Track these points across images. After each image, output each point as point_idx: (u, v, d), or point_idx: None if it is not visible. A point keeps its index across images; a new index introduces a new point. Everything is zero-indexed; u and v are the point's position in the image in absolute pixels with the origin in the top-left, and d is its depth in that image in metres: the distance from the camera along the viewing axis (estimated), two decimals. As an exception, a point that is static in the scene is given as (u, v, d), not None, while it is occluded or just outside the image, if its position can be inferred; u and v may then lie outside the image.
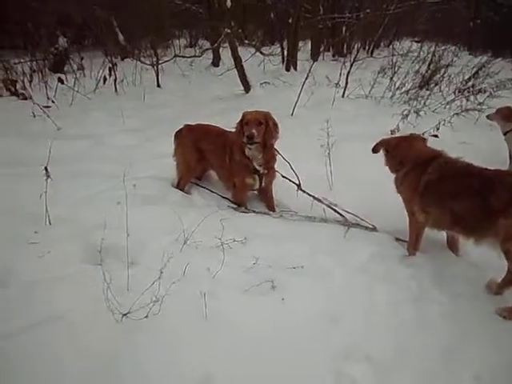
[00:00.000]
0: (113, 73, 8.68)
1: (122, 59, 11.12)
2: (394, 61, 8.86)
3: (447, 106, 6.84)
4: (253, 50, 10.92)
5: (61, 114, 6.60)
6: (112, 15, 10.98)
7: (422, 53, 10.27)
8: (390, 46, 14.76)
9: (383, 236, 3.50)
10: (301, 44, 12.00)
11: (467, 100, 7.06)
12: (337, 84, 7.97)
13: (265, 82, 8.97)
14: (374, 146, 3.48)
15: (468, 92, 7.50)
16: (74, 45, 10.71)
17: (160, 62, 9.47)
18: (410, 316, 2.62)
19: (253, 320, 2.43)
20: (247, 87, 8.48)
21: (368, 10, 11.25)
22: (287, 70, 10.59)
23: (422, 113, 6.25)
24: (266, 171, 3.88)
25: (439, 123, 5.46)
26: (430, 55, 8.91)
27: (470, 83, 7.96)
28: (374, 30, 12.14)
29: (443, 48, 9.65)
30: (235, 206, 3.98)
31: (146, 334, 2.23)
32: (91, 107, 7.37)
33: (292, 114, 6.57)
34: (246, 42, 11.90)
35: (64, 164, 4.39)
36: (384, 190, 3.49)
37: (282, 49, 11.71)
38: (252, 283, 2.66)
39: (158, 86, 9.43)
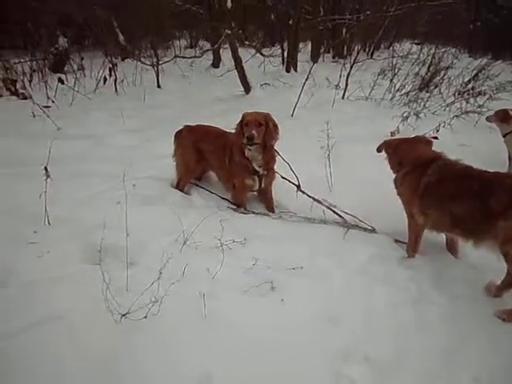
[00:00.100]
0: (113, 73, 8.68)
1: (123, 59, 11.12)
2: (394, 63, 8.86)
3: (447, 108, 6.84)
4: (253, 51, 10.92)
5: (61, 113, 6.60)
6: (112, 15, 10.98)
7: (422, 55, 10.28)
8: (390, 48, 14.77)
9: (382, 238, 3.50)
10: (301, 45, 12.00)
11: (467, 102, 7.06)
12: (337, 86, 7.97)
13: (265, 83, 8.97)
14: (378, 146, 3.50)
15: (468, 94, 7.51)
16: (74, 45, 10.70)
17: (160, 62, 9.47)
18: (409, 317, 2.63)
19: (252, 320, 2.43)
20: (247, 88, 8.48)
21: (368, 12, 11.26)
22: (287, 71, 10.58)
23: (421, 115, 6.25)
24: (265, 172, 3.88)
25: (439, 125, 5.47)
26: (429, 57, 8.91)
27: (469, 85, 7.97)
28: (374, 31, 12.14)
29: (443, 50, 9.64)
30: (235, 207, 3.99)
31: (145, 335, 2.23)
32: (91, 107, 7.37)
33: (292, 115, 6.57)
34: (247, 42, 11.90)
35: (64, 164, 4.39)
36: (383, 191, 3.49)
37: (283, 50, 11.71)
38: (251, 284, 2.66)
39: (158, 86, 9.43)
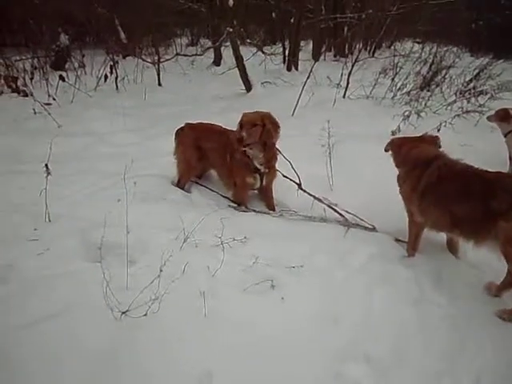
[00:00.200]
0: (114, 71, 8.68)
1: (124, 57, 11.09)
2: (396, 61, 8.84)
3: (448, 108, 6.83)
4: (254, 50, 10.91)
5: (62, 111, 6.61)
6: (114, 13, 10.96)
7: (423, 54, 10.26)
8: (392, 47, 14.77)
9: (383, 236, 3.50)
10: (302, 44, 11.98)
11: (468, 102, 7.05)
12: (338, 84, 7.95)
13: (266, 82, 8.96)
14: (386, 145, 3.50)
15: (469, 94, 7.49)
16: (75, 42, 10.69)
17: (161, 60, 9.47)
18: (409, 317, 2.62)
19: (252, 319, 2.43)
20: (248, 86, 8.47)
21: (370, 11, 11.23)
22: (288, 69, 10.58)
23: (423, 114, 6.23)
24: (267, 170, 3.88)
25: (440, 124, 5.45)
26: (431, 56, 8.91)
27: (471, 85, 7.95)
28: (376, 30, 12.11)
29: (445, 49, 9.63)
30: (235, 205, 3.98)
31: (146, 332, 2.23)
32: (92, 105, 7.37)
33: (293, 114, 6.57)
34: (248, 41, 11.89)
35: (64, 161, 4.40)
36: (384, 190, 3.49)
37: (284, 48, 11.70)
38: (251, 282, 2.66)
39: (159, 84, 9.43)
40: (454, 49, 11.70)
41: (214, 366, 2.11)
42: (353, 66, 8.18)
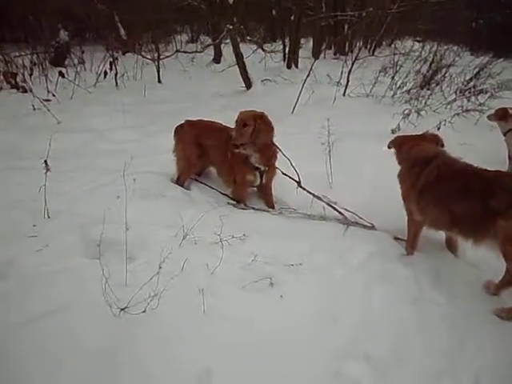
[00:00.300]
0: (114, 67, 8.67)
1: (123, 54, 11.08)
2: (396, 60, 8.83)
3: (448, 106, 6.83)
4: (254, 47, 10.89)
5: (61, 107, 6.60)
6: (113, 9, 10.94)
7: (423, 52, 10.25)
8: (392, 45, 14.75)
9: (382, 234, 3.50)
10: (302, 41, 11.97)
11: (468, 100, 7.06)
12: (338, 82, 7.94)
13: (266, 79, 8.94)
14: (389, 143, 3.50)
15: (469, 92, 7.49)
16: (74, 38, 10.66)
17: (161, 57, 9.45)
18: (409, 316, 2.62)
19: (251, 316, 2.43)
20: (248, 84, 8.46)
21: (370, 9, 11.21)
22: (288, 67, 10.57)
23: (422, 112, 6.24)
24: (266, 168, 3.88)
25: (440, 123, 5.45)
26: (431, 55, 8.90)
27: (471, 83, 7.95)
28: (376, 28, 12.10)
29: (445, 48, 9.63)
30: (234, 203, 3.98)
31: (144, 329, 2.23)
32: (92, 101, 7.36)
33: (293, 111, 6.56)
34: (248, 38, 11.87)
35: (64, 158, 4.40)
36: (384, 188, 3.50)
37: (284, 46, 11.68)
38: (250, 280, 2.66)
39: (159, 81, 9.41)
40: (455, 47, 11.68)
41: (213, 364, 2.11)
42: (353, 64, 8.17)
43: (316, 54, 11.90)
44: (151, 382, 2.03)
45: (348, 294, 2.75)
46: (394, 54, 9.40)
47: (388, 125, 5.69)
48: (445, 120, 5.53)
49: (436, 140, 3.39)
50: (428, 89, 7.89)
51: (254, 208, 3.93)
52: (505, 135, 4.99)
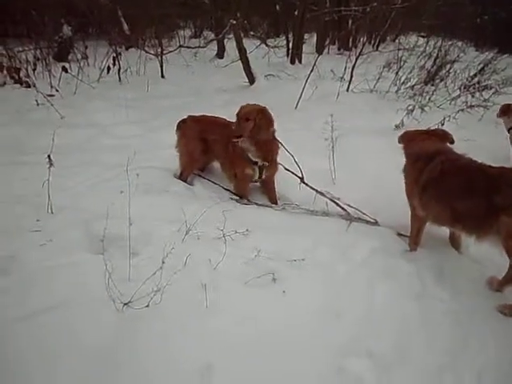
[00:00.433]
0: (117, 62, 8.67)
1: (127, 49, 11.06)
2: (400, 55, 8.78)
3: (452, 102, 6.79)
4: (257, 42, 10.85)
5: (64, 102, 6.60)
6: (116, 4, 10.91)
7: (428, 48, 10.19)
8: (396, 41, 14.67)
9: (385, 230, 3.49)
10: (306, 37, 11.91)
11: (472, 96, 7.00)
12: (341, 78, 7.91)
13: (269, 75, 8.91)
14: (398, 138, 3.48)
15: (473, 88, 7.43)
16: (78, 33, 10.65)
17: (164, 52, 9.43)
18: (412, 312, 2.62)
19: (253, 312, 2.43)
20: (251, 79, 8.44)
21: (375, 4, 11.13)
22: (292, 62, 10.52)
23: (426, 108, 6.20)
24: (266, 163, 3.87)
25: (444, 119, 5.43)
26: (436, 50, 8.84)
27: (475, 79, 7.89)
28: (380, 23, 12.04)
29: (449, 43, 9.56)
30: (237, 198, 3.98)
31: (147, 324, 2.24)
32: (95, 96, 7.35)
33: (296, 107, 6.54)
34: (251, 33, 11.82)
35: (67, 153, 4.40)
36: (387, 184, 3.49)
37: (287, 41, 11.63)
38: (253, 275, 2.66)
39: (162, 76, 9.39)
40: (459, 43, 11.60)
41: (214, 360, 2.12)
42: (357, 59, 8.12)
43: (320, 50, 11.86)
44: (152, 376, 2.04)
45: (351, 289, 2.74)
46: (398, 50, 9.33)
47: (392, 120, 5.67)
48: (449, 116, 5.50)
49: (445, 136, 3.36)
50: (432, 84, 7.84)
51: (257, 203, 3.93)
52: (509, 131, 4.97)
